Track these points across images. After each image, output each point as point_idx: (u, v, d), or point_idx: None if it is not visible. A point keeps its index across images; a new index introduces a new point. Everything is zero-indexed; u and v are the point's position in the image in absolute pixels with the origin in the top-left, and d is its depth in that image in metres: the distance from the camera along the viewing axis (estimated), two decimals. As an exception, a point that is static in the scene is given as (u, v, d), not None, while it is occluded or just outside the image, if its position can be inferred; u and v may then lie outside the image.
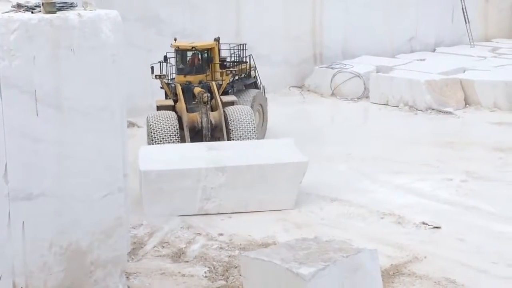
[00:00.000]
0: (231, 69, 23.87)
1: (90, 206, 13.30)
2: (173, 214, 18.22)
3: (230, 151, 19.63)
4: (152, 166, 18.55)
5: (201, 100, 21.30)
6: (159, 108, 22.58)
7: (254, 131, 21.54)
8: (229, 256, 16.11)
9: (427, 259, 15.90)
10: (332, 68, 32.91)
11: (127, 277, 14.79)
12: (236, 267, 15.35)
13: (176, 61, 23.44)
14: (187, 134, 21.26)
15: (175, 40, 23.84)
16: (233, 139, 21.24)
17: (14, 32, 12.25)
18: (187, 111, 21.82)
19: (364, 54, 34.82)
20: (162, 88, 23.62)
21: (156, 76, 23.07)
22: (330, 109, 30.49)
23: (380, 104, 30.37)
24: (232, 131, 21.38)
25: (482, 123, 27.35)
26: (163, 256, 16.38)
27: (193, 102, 22.11)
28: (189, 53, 23.28)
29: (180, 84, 22.67)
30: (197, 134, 21.53)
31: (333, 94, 32.06)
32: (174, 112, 21.87)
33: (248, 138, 21.32)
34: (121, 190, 13.78)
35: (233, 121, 21.46)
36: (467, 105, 29.68)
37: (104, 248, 13.57)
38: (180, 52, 23.28)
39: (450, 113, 28.69)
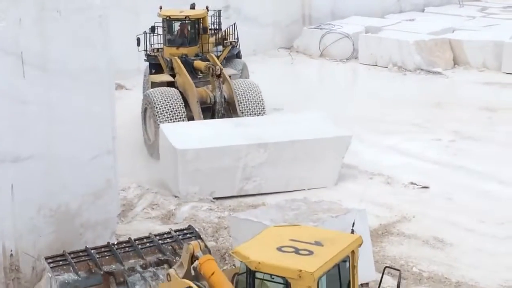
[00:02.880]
0: (231, 41, 22.53)
1: (79, 168, 13.30)
2: (211, 195, 17.25)
3: (264, 126, 18.30)
4: (188, 144, 17.12)
5: (213, 73, 19.70)
6: (157, 84, 20.78)
7: (263, 106, 20.27)
8: (219, 218, 16.16)
9: (416, 219, 16.00)
10: (320, 29, 32.71)
11: (117, 239, 14.81)
12: (225, 228, 15.41)
13: (165, 32, 21.82)
14: (198, 110, 19.54)
15: (161, 8, 22.00)
16: (244, 115, 19.85)
17: (-1, -6, 12.13)
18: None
19: (353, 15, 34.60)
20: (147, 61, 22.19)
21: (153, 50, 21.59)
22: (319, 70, 30.39)
23: (369, 65, 30.28)
24: (241, 106, 20.00)
25: (470, 83, 27.34)
26: (152, 218, 16.41)
27: (199, 76, 20.67)
28: (178, 23, 21.66)
29: (178, 58, 21.06)
30: (204, 111, 19.83)
31: (322, 55, 31.91)
32: (175, 89, 20.35)
33: (258, 113, 20.02)
34: (110, 152, 13.77)
35: (242, 95, 20.07)
36: (456, 65, 29.62)
37: (94, 210, 13.60)
38: (171, 22, 21.63)
39: (439, 73, 28.64)
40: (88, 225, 13.52)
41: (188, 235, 12.31)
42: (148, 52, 22.23)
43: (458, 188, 17.54)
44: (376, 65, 30.08)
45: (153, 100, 19.71)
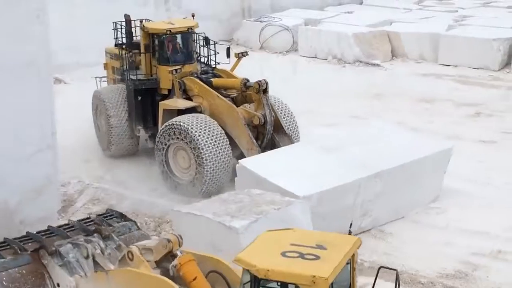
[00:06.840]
0: (242, 51, 20.06)
1: (18, 164, 13.10)
2: None
3: (355, 149, 15.98)
4: (306, 188, 14.28)
5: (260, 89, 17.17)
6: (172, 112, 17.68)
7: (297, 125, 18.37)
8: (161, 212, 16.08)
9: (357, 209, 16.14)
10: (260, 21, 32.80)
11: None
12: (168, 222, 15.35)
13: (162, 49, 18.68)
14: (249, 135, 16.81)
15: (141, 22, 19.11)
16: (294, 139, 17.65)
17: None
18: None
19: (292, 7, 34.80)
20: (136, 87, 18.64)
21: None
22: (259, 63, 30.36)
23: (308, 57, 30.49)
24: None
25: (408, 75, 27.76)
26: (94, 213, 16.22)
27: (232, 96, 17.99)
28: (166, 37, 18.66)
29: (196, 77, 18.18)
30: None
31: (262, 48, 32.01)
32: (205, 115, 17.37)
33: (295, 133, 18.14)
34: (50, 147, 13.60)
35: (280, 113, 17.96)
36: (394, 57, 30.04)
37: (34, 207, 13.42)
38: (171, 37, 18.66)
39: (377, 65, 29.00)
40: (27, 222, 13.33)
41: (110, 216, 11.88)
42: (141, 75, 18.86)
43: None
44: (316, 58, 30.31)
45: (194, 134, 16.59)
